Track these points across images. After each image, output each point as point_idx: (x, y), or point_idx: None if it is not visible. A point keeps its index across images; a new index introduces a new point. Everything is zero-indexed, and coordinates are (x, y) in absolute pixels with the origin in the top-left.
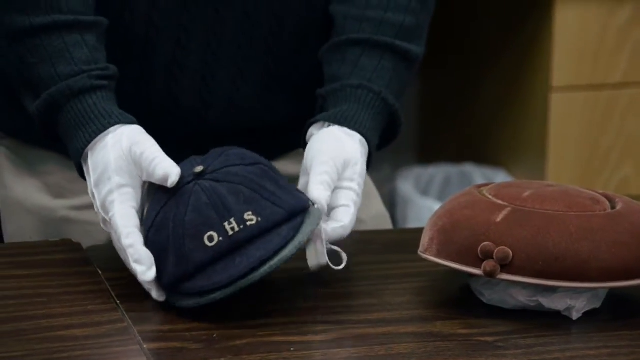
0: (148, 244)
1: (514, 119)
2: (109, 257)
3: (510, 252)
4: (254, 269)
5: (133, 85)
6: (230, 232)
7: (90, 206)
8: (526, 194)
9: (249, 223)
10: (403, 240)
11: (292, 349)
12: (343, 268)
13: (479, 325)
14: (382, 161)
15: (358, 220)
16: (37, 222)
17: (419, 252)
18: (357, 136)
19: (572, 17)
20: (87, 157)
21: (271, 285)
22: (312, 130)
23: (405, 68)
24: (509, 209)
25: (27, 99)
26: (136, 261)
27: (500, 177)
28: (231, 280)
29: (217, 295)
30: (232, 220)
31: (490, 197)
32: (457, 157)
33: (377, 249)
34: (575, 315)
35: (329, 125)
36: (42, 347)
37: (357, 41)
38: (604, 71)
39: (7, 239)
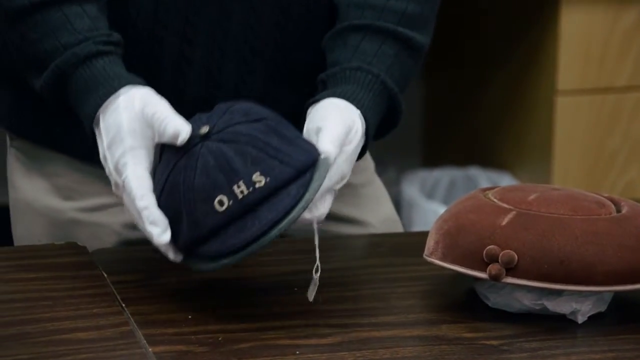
0: (161, 207)
1: (520, 122)
2: (115, 260)
3: (516, 256)
4: (265, 232)
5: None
6: (240, 196)
7: (99, 208)
8: (531, 197)
9: (257, 185)
10: (408, 243)
11: (297, 352)
12: (349, 271)
13: (484, 329)
14: (387, 164)
15: (368, 224)
16: (46, 223)
17: (424, 256)
18: (356, 111)
19: (577, 20)
20: (99, 120)
21: (277, 288)
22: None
23: (408, 56)
24: (514, 212)
25: (34, 78)
26: (152, 223)
27: (506, 180)
28: (244, 243)
29: (231, 260)
30: (240, 183)
31: (495, 200)
32: (462, 160)
33: (383, 252)
34: (580, 319)
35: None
36: (47, 350)
37: (358, 27)
38: (609, 75)
39: (16, 240)
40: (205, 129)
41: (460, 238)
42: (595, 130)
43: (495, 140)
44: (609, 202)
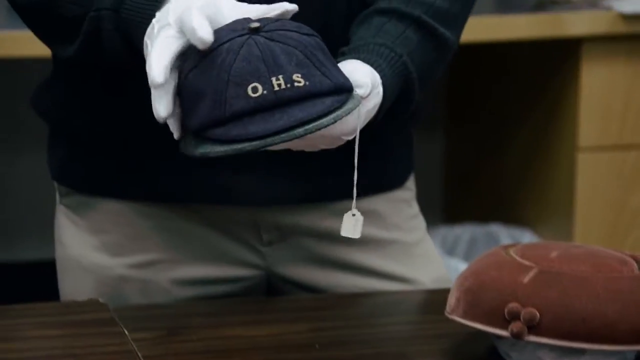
0: (185, 83)
1: (541, 178)
2: (136, 316)
3: (538, 314)
4: (291, 128)
5: None
6: (276, 88)
7: (148, 264)
8: (553, 254)
9: (296, 84)
10: (429, 300)
11: None
12: (369, 328)
13: None
14: None
15: (420, 282)
16: (94, 280)
17: (446, 313)
18: (378, 77)
19: (598, 76)
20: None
21: (296, 345)
22: None
23: (432, 48)
24: (535, 269)
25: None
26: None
27: (527, 237)
28: (266, 134)
29: (247, 146)
30: (280, 77)
31: (516, 257)
32: (483, 216)
33: (404, 309)
34: None
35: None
36: None
37: (384, 10)
38: (631, 131)
39: (63, 297)
40: (256, 24)
41: (482, 295)
42: (617, 187)
43: (516, 196)
44: (631, 260)
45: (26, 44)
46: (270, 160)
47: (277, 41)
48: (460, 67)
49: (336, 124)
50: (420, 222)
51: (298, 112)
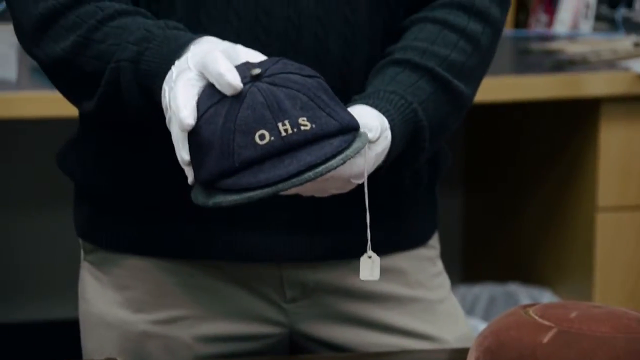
0: (192, 135)
1: (560, 238)
2: None
3: None
4: (301, 172)
5: None
6: (284, 133)
7: (171, 320)
8: (573, 315)
9: (302, 128)
10: (453, 359)
11: None
12: None
13: None
14: None
15: (444, 341)
16: (117, 337)
17: None
18: (387, 122)
19: (616, 136)
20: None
21: None
22: None
23: (446, 101)
24: (555, 330)
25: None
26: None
27: (546, 297)
28: (277, 180)
29: (258, 193)
30: (286, 122)
31: (536, 317)
32: (502, 276)
33: None
34: None
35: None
36: None
37: (398, 61)
38: None
39: (86, 354)
40: (257, 70)
41: (501, 355)
42: (637, 247)
43: (535, 256)
44: None
45: (51, 104)
46: (292, 217)
47: (280, 86)
48: (479, 126)
49: (345, 166)
50: (445, 280)
51: (306, 156)
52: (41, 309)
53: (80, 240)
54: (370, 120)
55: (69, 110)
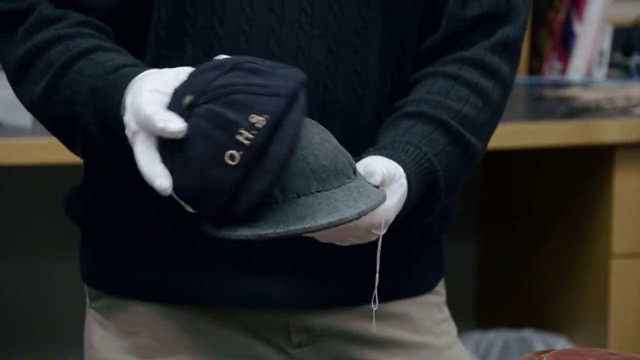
0: (175, 183)
1: (574, 284)
2: None
3: None
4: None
5: None
6: (247, 142)
7: None
8: None
9: (258, 125)
10: None
11: None
12: None
13: None
14: None
15: None
16: None
17: None
18: (402, 172)
19: (631, 183)
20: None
21: None
22: None
23: (458, 154)
24: None
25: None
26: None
27: (561, 343)
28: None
29: (270, 233)
30: (241, 130)
31: None
32: (516, 322)
33: None
34: None
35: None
36: None
37: (412, 113)
38: None
39: None
40: (188, 99)
41: None
42: None
43: (550, 302)
44: None
45: (54, 151)
46: (298, 264)
47: (214, 99)
48: (493, 172)
49: (365, 217)
50: (451, 326)
51: (278, 149)
52: (47, 357)
53: (86, 287)
54: (377, 165)
55: (71, 157)
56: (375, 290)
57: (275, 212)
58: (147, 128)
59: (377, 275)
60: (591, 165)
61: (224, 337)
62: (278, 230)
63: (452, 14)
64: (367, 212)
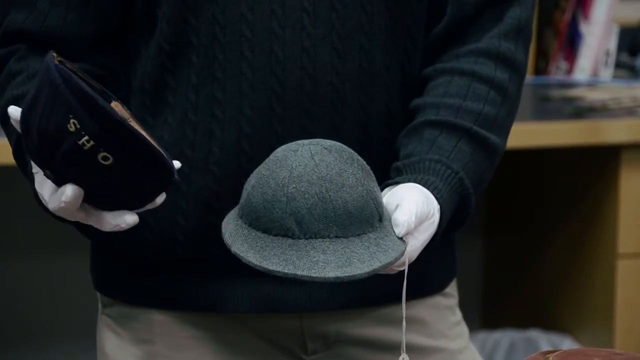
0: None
1: (580, 285)
2: None
3: None
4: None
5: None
6: (85, 144)
7: None
8: None
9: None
10: None
11: None
12: None
13: None
14: None
15: None
16: None
17: None
18: (436, 204)
19: (637, 183)
20: None
21: None
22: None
23: (484, 156)
24: None
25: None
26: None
27: (567, 343)
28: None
29: (275, 271)
30: (72, 121)
31: None
32: (522, 322)
33: None
34: None
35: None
36: None
37: (435, 122)
38: None
39: None
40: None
41: None
42: None
43: (556, 302)
44: None
45: None
46: None
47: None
48: (499, 173)
49: None
50: (464, 329)
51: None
52: (47, 357)
53: (98, 294)
54: (403, 214)
55: None
56: (404, 326)
57: (289, 247)
58: None
59: (404, 306)
60: (597, 165)
61: (238, 345)
62: (285, 271)
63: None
64: (379, 271)
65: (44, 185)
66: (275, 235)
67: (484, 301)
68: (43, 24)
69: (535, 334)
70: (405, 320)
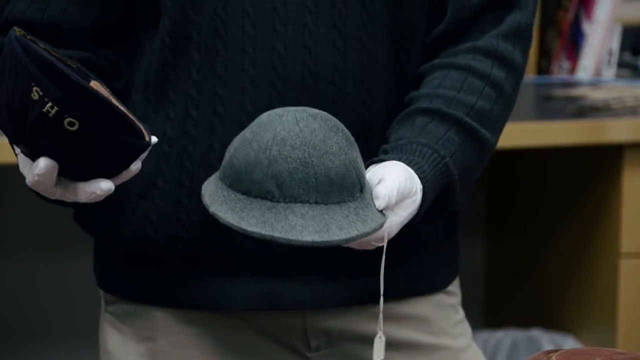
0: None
1: (583, 284)
2: None
3: None
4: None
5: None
6: (49, 111)
7: None
8: None
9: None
10: None
11: None
12: None
13: None
14: None
15: None
16: None
17: None
18: (419, 183)
19: (639, 182)
20: None
21: None
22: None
23: (473, 149)
24: None
25: None
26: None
27: (569, 343)
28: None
29: (254, 233)
30: (36, 88)
31: None
32: (524, 322)
33: None
34: None
35: None
36: None
37: (426, 110)
38: None
39: None
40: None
41: None
42: None
43: (558, 302)
44: None
45: None
46: (314, 264)
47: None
48: (501, 172)
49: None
50: (467, 327)
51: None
52: (47, 357)
53: (101, 291)
54: (385, 188)
55: None
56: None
57: (267, 209)
58: None
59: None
60: (600, 165)
61: (240, 342)
62: (262, 232)
63: (457, 1)
64: (356, 239)
65: (24, 165)
66: (255, 197)
67: (486, 300)
68: (44, 14)
69: (537, 334)
70: (408, 317)
